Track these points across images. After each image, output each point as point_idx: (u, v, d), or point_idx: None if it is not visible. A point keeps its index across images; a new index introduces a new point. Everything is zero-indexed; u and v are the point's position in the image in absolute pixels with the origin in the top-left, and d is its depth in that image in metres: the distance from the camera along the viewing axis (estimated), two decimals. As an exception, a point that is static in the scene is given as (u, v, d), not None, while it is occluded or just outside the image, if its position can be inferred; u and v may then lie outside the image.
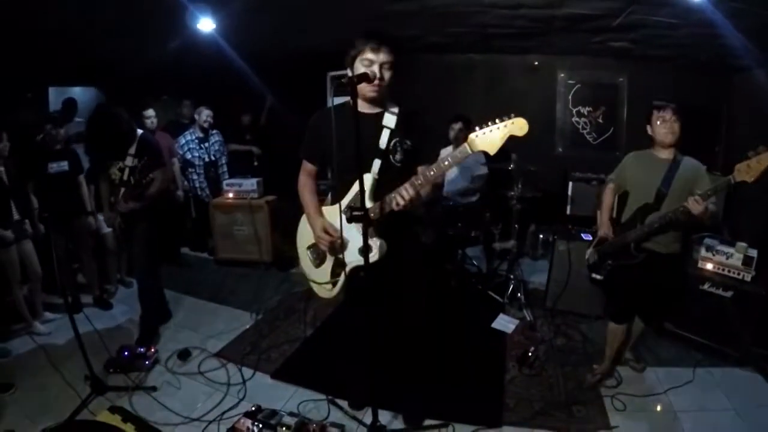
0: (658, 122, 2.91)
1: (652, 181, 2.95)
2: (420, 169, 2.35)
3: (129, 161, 3.58)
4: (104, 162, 3.69)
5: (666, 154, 2.94)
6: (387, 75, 2.23)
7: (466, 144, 2.06)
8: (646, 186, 2.99)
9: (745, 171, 2.48)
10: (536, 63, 6.14)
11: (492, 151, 2.03)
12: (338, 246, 2.38)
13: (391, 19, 4.16)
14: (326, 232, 2.40)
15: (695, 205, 2.61)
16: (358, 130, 2.01)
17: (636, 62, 5.73)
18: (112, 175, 3.65)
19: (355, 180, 2.13)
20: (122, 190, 3.58)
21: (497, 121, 2.01)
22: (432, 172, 2.15)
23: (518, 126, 1.99)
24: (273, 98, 6.72)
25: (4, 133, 3.65)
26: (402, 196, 2.16)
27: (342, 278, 2.44)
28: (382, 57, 2.18)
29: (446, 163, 2.14)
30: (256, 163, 6.30)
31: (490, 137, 2.01)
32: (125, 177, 3.58)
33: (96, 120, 3.69)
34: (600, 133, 6.11)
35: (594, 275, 3.27)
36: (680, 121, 2.87)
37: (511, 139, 2.02)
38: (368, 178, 2.29)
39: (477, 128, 2.04)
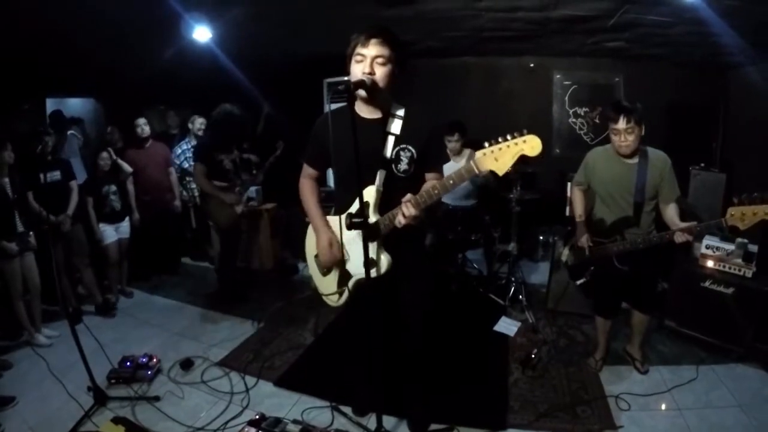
0: (612, 132, 2.88)
1: (625, 191, 2.96)
2: (428, 175, 2.31)
3: (236, 153, 4.61)
4: (217, 154, 4.41)
5: (629, 159, 2.95)
6: (380, 71, 2.10)
7: (472, 162, 1.89)
8: (619, 196, 3.00)
9: (739, 218, 2.48)
10: (532, 65, 6.16)
11: (501, 171, 1.85)
12: (337, 263, 2.35)
13: (385, 24, 4.16)
14: (330, 246, 2.36)
15: (681, 238, 2.66)
16: (356, 139, 1.91)
17: (631, 62, 5.74)
18: (227, 165, 4.48)
19: (359, 191, 2.05)
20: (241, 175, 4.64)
21: (508, 137, 1.81)
22: (437, 191, 2.02)
23: (530, 145, 1.78)
24: (270, 106, 6.73)
25: (8, 143, 3.68)
26: (404, 214, 2.05)
27: (347, 289, 2.39)
28: (373, 50, 2.08)
29: (451, 182, 2.00)
30: (254, 171, 6.30)
31: (500, 157, 1.83)
32: (238, 162, 4.68)
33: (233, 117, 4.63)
34: (597, 134, 6.11)
35: (577, 282, 3.28)
36: (638, 127, 2.80)
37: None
38: (372, 191, 2.20)
39: (486, 144, 1.85)
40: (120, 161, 4.66)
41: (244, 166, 4.89)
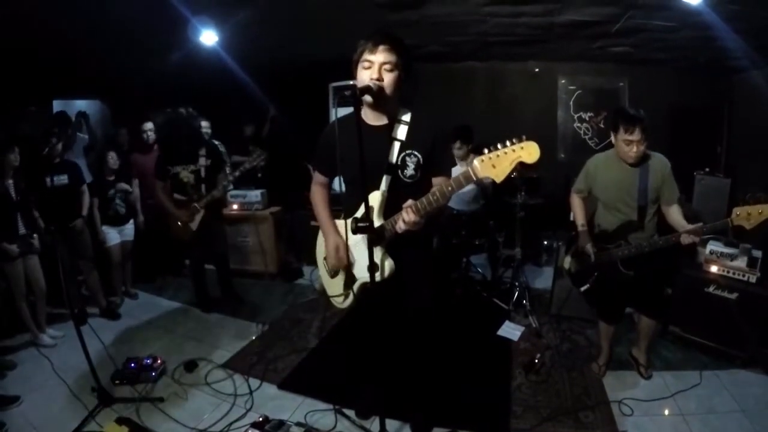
0: (624, 143, 2.85)
1: (628, 196, 2.96)
2: (434, 180, 2.29)
3: (202, 161, 4.23)
4: (171, 167, 4.20)
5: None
6: (388, 77, 2.11)
7: (470, 169, 1.88)
8: (622, 201, 3.00)
9: (745, 218, 2.51)
10: (537, 70, 6.17)
11: (499, 179, 1.81)
12: (343, 267, 2.37)
13: (390, 28, 4.18)
14: (337, 251, 2.38)
15: (687, 239, 2.67)
16: (362, 145, 1.92)
17: (636, 66, 5.75)
18: (184, 178, 4.21)
19: (365, 195, 2.05)
20: (203, 186, 4.26)
21: (507, 143, 1.78)
22: (435, 197, 2.02)
23: (528, 152, 1.76)
24: (275, 109, 6.75)
25: (14, 146, 3.70)
26: (404, 220, 2.07)
27: (352, 292, 2.41)
28: (381, 57, 2.08)
29: (449, 188, 1.99)
30: (259, 175, 6.32)
31: (498, 164, 1.80)
32: (203, 175, 4.25)
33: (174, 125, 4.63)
34: (602, 139, 6.11)
35: (581, 288, 3.27)
36: (647, 138, 2.80)
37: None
38: (377, 195, 2.22)
39: (485, 150, 1.83)
40: (121, 184, 4.63)
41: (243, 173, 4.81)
